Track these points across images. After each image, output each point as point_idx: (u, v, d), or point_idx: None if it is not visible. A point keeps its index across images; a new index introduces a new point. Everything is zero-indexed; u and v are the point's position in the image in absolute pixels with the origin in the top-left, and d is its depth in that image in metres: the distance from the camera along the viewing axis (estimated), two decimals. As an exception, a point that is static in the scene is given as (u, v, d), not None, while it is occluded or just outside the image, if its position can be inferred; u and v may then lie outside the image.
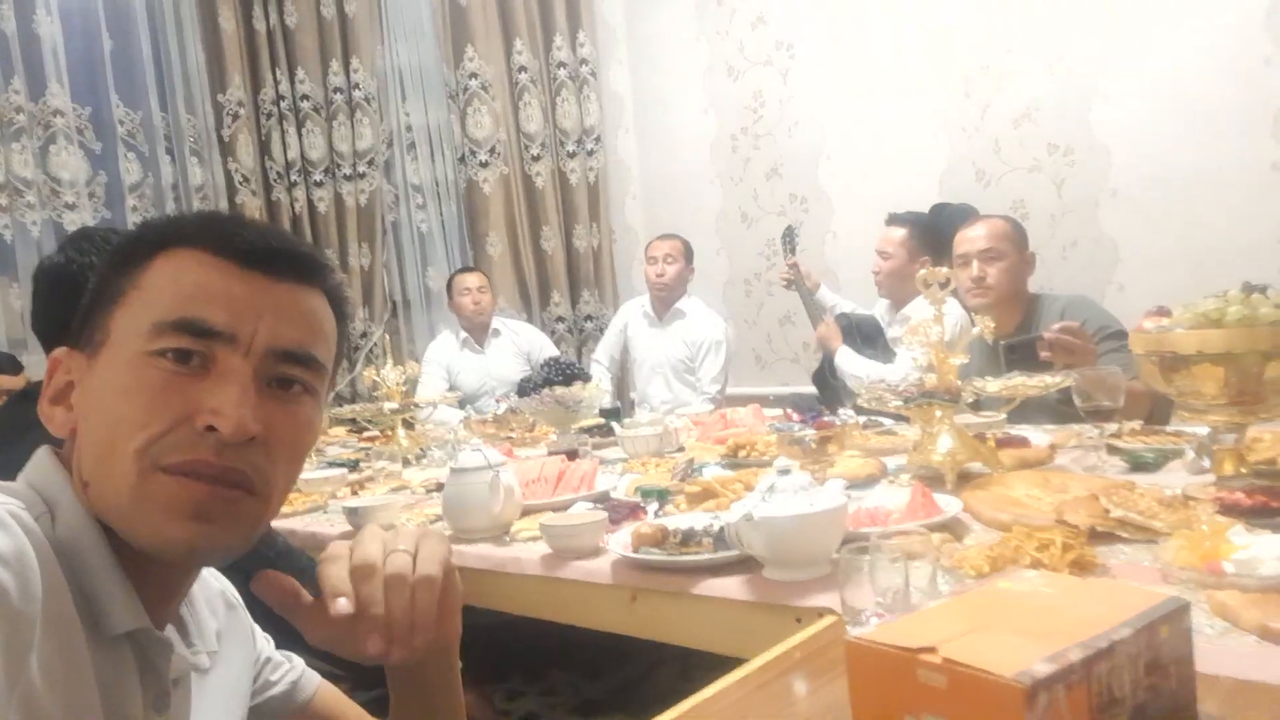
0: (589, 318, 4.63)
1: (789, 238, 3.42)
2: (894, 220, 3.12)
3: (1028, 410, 2.12)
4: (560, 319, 4.61)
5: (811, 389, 3.38)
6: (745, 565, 1.24)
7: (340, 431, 3.36)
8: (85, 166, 3.83)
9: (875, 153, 3.73)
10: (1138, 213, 3.13)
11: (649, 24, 4.46)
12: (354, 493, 2.22)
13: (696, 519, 1.41)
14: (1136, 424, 1.89)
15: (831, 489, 1.22)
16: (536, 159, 4.51)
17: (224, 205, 4.29)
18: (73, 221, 3.70)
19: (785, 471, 1.20)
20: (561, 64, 4.49)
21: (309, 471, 2.39)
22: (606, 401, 3.63)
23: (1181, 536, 1.07)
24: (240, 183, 4.31)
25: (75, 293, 0.73)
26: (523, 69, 4.47)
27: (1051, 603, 0.74)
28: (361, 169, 4.42)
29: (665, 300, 3.80)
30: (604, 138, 4.56)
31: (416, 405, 2.72)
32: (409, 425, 2.75)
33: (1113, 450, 1.70)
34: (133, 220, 3.89)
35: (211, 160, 4.28)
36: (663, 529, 1.34)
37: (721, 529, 1.25)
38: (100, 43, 3.90)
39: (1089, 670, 0.61)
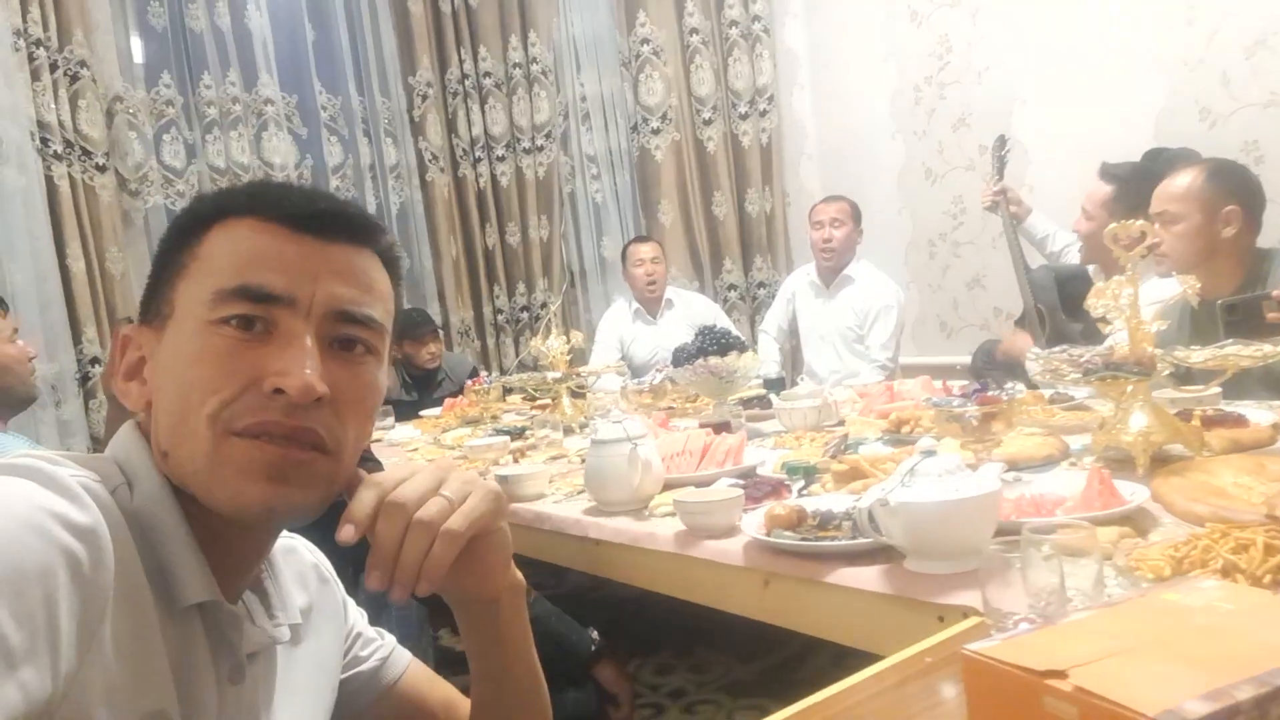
0: (761, 284, 4.53)
1: (999, 151, 2.94)
2: (1104, 173, 2.69)
3: (1248, 384, 1.84)
4: (732, 286, 4.53)
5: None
6: (886, 554, 1.13)
7: (516, 400, 3.47)
8: (294, 151, 4.15)
9: (1079, 94, 3.35)
10: (1406, 151, 2.65)
11: (825, -27, 4.24)
12: (515, 460, 2.27)
13: (838, 501, 1.31)
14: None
15: (985, 473, 1.09)
16: (708, 123, 4.44)
17: (416, 183, 4.53)
18: (286, 203, 4.03)
19: (930, 453, 1.08)
20: (734, 23, 4.37)
21: (476, 439, 2.47)
22: (772, 371, 3.53)
23: None
24: (430, 160, 4.53)
25: None
26: (694, 31, 4.39)
27: (1226, 622, 0.61)
28: (540, 142, 4.52)
29: (833, 267, 3.61)
30: (777, 96, 4.41)
31: (578, 374, 2.75)
32: (578, 394, 2.78)
33: (1353, 433, 1.44)
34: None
35: (404, 140, 4.53)
36: (800, 510, 1.26)
37: (862, 513, 1.15)
38: (303, 34, 4.20)
39: (1262, 712, 0.50)
